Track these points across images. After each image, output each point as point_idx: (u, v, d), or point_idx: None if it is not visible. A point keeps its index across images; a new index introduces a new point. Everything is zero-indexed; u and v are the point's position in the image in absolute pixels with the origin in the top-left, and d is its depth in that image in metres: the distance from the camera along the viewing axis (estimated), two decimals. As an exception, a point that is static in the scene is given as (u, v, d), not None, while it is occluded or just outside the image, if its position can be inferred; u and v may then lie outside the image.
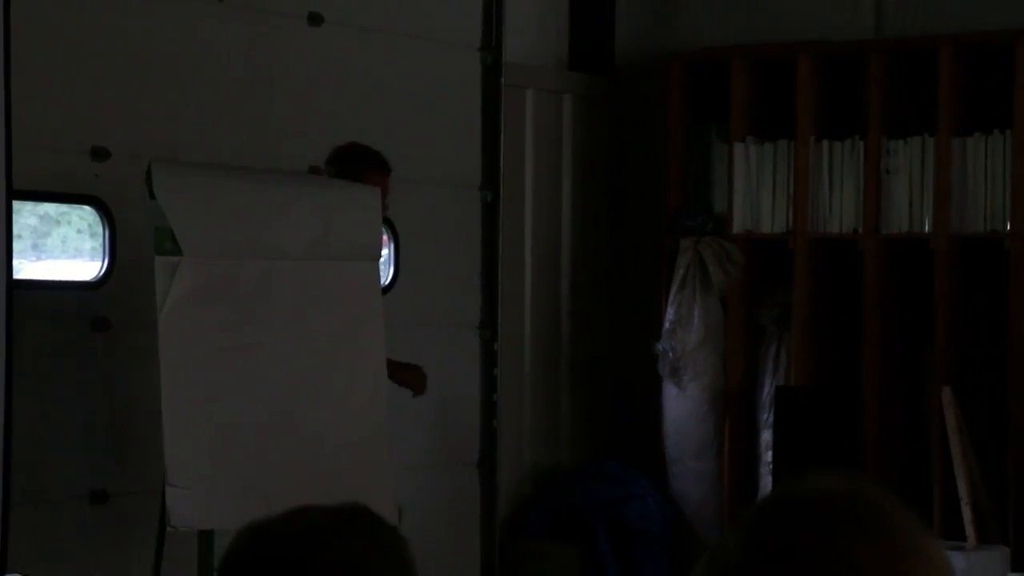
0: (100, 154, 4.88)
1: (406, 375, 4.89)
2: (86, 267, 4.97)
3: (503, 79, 6.11)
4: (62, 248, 5.12)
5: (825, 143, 6.01)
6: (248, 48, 5.32)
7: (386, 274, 5.74)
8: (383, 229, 5.59)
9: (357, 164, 4.81)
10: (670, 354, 6.17)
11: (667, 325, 6.19)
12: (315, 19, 5.51)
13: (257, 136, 5.31)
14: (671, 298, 6.20)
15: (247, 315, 4.41)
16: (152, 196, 4.40)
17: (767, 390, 6.09)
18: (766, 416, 6.06)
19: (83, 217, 5.03)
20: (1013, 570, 5.19)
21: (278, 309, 4.47)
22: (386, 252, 5.72)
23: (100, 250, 4.91)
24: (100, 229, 4.91)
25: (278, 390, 4.45)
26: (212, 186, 4.51)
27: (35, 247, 5.07)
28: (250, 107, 5.31)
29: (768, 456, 6.00)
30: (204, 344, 4.36)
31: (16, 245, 4.35)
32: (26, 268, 4.88)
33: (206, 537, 4.34)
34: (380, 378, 4.65)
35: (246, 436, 4.38)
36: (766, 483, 6.02)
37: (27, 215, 4.93)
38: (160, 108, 5.04)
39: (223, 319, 4.37)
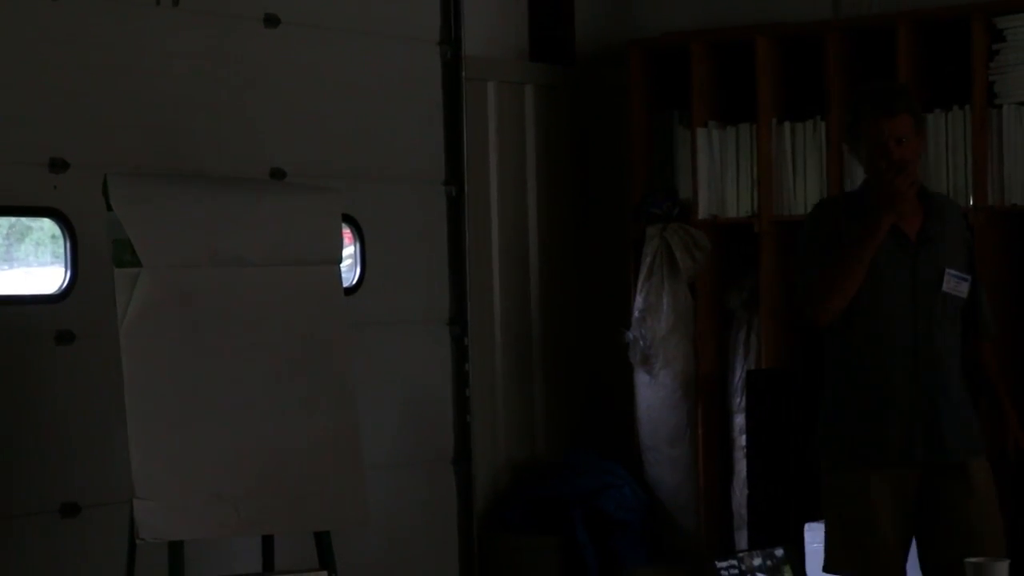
0: (58, 165, 4.86)
1: None
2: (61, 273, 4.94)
3: (464, 73, 6.10)
4: (35, 254, 5.09)
5: (787, 125, 6.02)
6: (204, 52, 5.30)
7: (352, 273, 5.74)
8: (348, 227, 5.60)
9: None
10: (641, 342, 6.18)
11: (636, 313, 6.20)
12: (271, 20, 5.50)
13: (217, 141, 5.30)
14: (639, 286, 6.21)
15: (209, 324, 4.41)
16: (109, 208, 4.40)
17: (738, 374, 6.10)
18: (738, 400, 6.08)
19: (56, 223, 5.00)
20: None
21: (240, 317, 4.47)
22: (352, 251, 5.72)
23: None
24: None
25: (243, 398, 4.44)
26: (169, 196, 4.51)
27: (5, 258, 5.05)
28: (209, 112, 5.30)
29: (742, 440, 6.01)
30: (167, 354, 4.35)
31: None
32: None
33: (176, 548, 4.34)
34: (347, 381, 4.65)
35: (213, 445, 4.38)
36: (741, 467, 6.04)
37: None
38: (118, 117, 5.03)
39: (185, 329, 4.37)
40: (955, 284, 4.28)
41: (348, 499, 4.60)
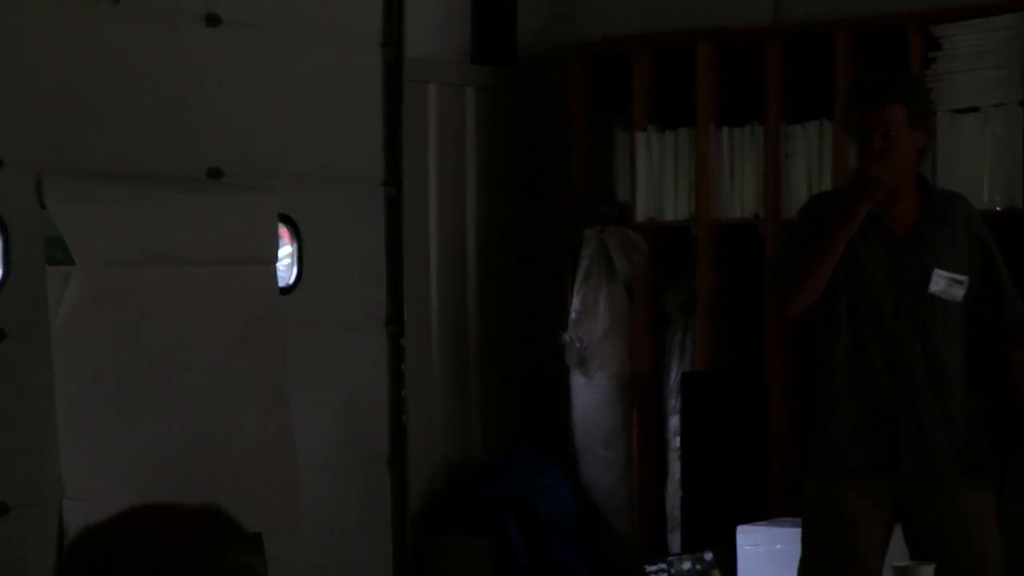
0: (-8, 163, 4.83)
1: None
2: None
3: (404, 74, 6.09)
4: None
5: (725, 130, 6.05)
6: (145, 51, 5.27)
7: (290, 273, 5.73)
8: (285, 227, 5.59)
9: None
10: (577, 344, 6.20)
11: (573, 315, 6.22)
12: (212, 20, 5.47)
13: (156, 140, 5.27)
14: (577, 288, 6.23)
15: (143, 323, 4.40)
16: (43, 206, 4.39)
17: (674, 376, 6.13)
18: (673, 402, 6.11)
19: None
20: None
21: (174, 316, 4.46)
22: (289, 251, 5.71)
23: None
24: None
25: (176, 398, 4.44)
26: (104, 194, 4.50)
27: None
28: (148, 111, 5.26)
29: (676, 442, 6.04)
30: (99, 354, 4.34)
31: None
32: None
33: (106, 548, 4.32)
34: (282, 381, 4.65)
35: (144, 446, 4.37)
36: (675, 469, 6.07)
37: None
38: (54, 114, 4.99)
39: (118, 328, 4.36)
40: (946, 286, 4.04)
41: (281, 500, 4.60)
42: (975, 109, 5.55)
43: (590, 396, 6.24)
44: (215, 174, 5.42)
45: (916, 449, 4.03)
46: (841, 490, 4.09)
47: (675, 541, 6.05)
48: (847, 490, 4.08)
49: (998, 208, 5.49)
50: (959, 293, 4.06)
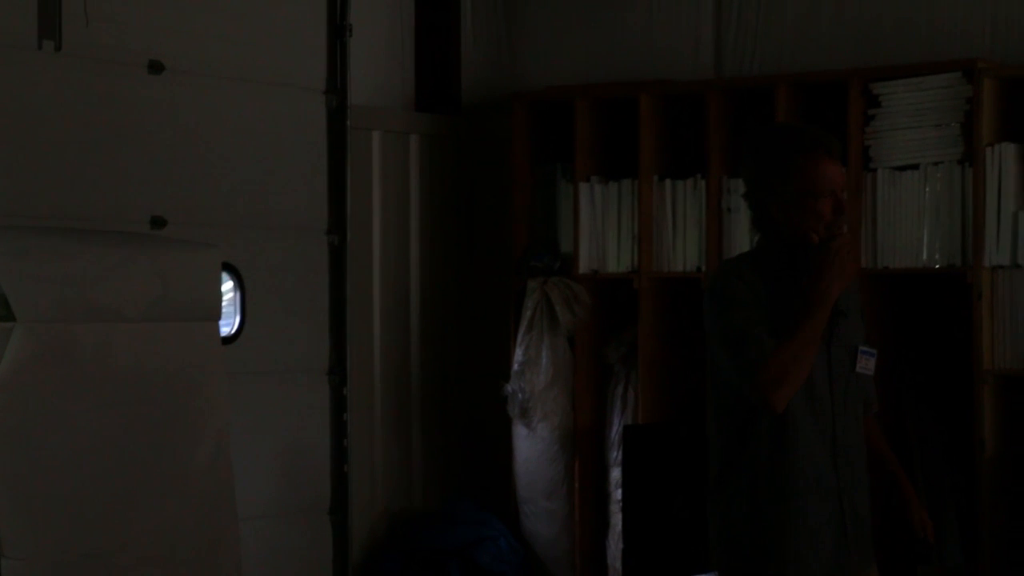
0: (-67, 215, 4.80)
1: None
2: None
3: (349, 121, 6.10)
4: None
5: (668, 182, 6.09)
6: (87, 98, 5.26)
7: (232, 321, 5.71)
8: (228, 276, 5.58)
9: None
10: (520, 395, 6.21)
11: (516, 366, 6.23)
12: (155, 67, 5.47)
13: (99, 189, 5.26)
14: (519, 339, 6.24)
15: (85, 379, 4.37)
16: (-16, 261, 4.35)
17: (616, 428, 6.15)
18: (615, 454, 6.13)
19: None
20: None
21: (117, 372, 4.43)
22: (232, 297, 5.69)
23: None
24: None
25: (118, 455, 4.41)
26: (45, 248, 4.46)
27: None
28: (91, 159, 5.25)
29: (618, 494, 6.06)
30: (41, 411, 4.30)
31: None
32: None
33: (46, 607, 4.29)
34: (224, 436, 4.63)
35: (86, 503, 4.33)
36: (616, 521, 6.09)
37: None
38: (-5, 163, 4.97)
39: (60, 384, 4.32)
40: (866, 362, 3.76)
41: (221, 553, 4.58)
42: (914, 167, 5.61)
43: (532, 447, 6.25)
44: (159, 223, 5.40)
45: (860, 541, 3.76)
46: None
47: (616, 592, 6.07)
48: None
49: (937, 266, 5.55)
50: (872, 367, 3.79)
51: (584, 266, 6.22)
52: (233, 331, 5.68)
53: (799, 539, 3.66)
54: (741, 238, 5.93)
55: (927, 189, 5.59)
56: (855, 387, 3.76)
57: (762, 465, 3.67)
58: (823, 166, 3.62)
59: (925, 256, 5.55)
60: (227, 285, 5.52)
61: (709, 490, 3.80)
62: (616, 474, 6.09)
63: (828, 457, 3.69)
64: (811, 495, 3.67)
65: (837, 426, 3.70)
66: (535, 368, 6.19)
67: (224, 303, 5.31)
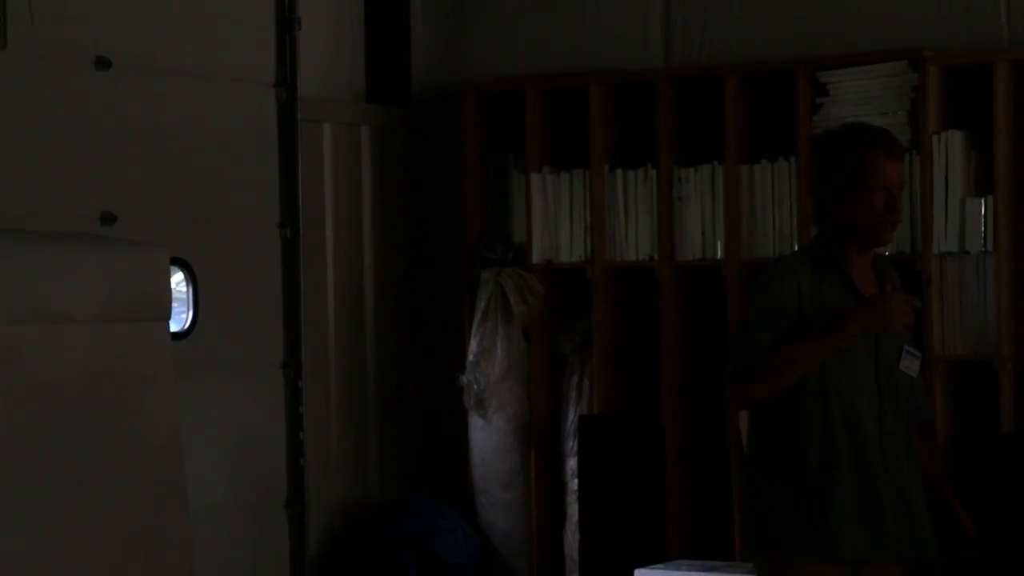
0: None
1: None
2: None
3: (299, 114, 6.09)
4: None
5: (619, 172, 6.11)
6: (34, 95, 5.23)
7: (185, 316, 5.68)
8: (180, 270, 5.55)
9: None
10: (475, 386, 6.22)
11: (471, 357, 6.24)
12: (102, 63, 5.44)
13: (48, 186, 5.23)
14: (474, 330, 6.25)
15: (32, 383, 4.33)
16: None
17: (571, 419, 6.17)
18: (571, 445, 6.15)
19: None
20: None
21: (64, 375, 4.39)
22: (184, 291, 5.66)
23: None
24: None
25: (69, 455, 4.38)
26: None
27: None
28: (38, 156, 5.22)
29: (574, 484, 6.08)
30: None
31: None
32: None
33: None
34: (174, 437, 4.61)
35: (36, 502, 4.31)
36: (573, 511, 6.11)
37: None
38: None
39: (7, 388, 4.28)
40: (910, 363, 3.77)
41: (172, 554, 4.57)
42: (863, 154, 5.64)
43: (488, 438, 6.26)
44: (108, 219, 5.38)
45: (913, 531, 3.77)
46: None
47: (573, 582, 6.09)
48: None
49: (887, 254, 5.58)
50: (917, 368, 3.81)
51: (537, 256, 6.23)
52: (186, 326, 5.66)
53: (838, 515, 3.65)
54: (692, 227, 5.96)
55: (876, 176, 5.62)
56: (901, 387, 3.76)
57: (806, 440, 3.67)
58: (879, 160, 3.67)
59: (874, 243, 5.59)
60: (177, 277, 5.50)
61: (746, 471, 3.81)
62: (572, 464, 6.10)
63: (877, 453, 3.69)
64: (853, 473, 3.66)
65: (884, 426, 3.70)
66: (490, 359, 6.20)
67: (176, 299, 5.29)
